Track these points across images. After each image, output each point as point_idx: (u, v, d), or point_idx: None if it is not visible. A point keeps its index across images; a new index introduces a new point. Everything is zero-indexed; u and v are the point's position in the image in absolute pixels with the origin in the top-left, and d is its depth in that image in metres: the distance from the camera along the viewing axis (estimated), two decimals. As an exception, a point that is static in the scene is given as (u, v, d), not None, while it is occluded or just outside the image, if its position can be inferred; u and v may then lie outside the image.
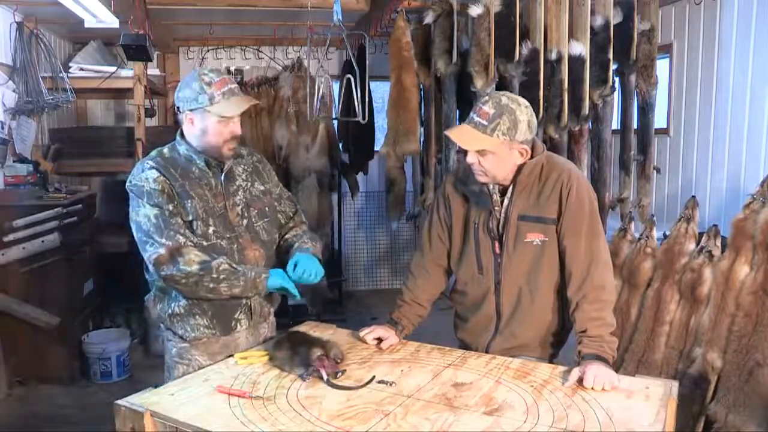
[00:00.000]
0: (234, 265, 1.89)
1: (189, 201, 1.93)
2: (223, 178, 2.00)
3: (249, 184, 2.07)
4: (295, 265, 1.96)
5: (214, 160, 1.97)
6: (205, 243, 1.92)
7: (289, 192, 2.27)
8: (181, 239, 1.87)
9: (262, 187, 2.10)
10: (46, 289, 3.72)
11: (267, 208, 2.09)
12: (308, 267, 1.96)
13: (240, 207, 2.02)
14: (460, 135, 1.91)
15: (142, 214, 1.89)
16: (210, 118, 1.90)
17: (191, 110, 1.91)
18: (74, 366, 3.93)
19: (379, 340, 2.06)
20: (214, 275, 1.85)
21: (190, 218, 1.92)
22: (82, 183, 4.95)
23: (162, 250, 1.85)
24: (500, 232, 1.98)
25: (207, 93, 1.87)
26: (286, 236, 2.16)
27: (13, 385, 3.75)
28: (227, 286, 1.88)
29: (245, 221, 2.02)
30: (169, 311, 1.99)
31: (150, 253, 1.86)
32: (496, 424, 1.50)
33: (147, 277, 2.06)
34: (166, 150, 2.01)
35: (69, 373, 3.88)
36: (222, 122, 1.90)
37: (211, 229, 1.94)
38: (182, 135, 1.99)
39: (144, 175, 1.92)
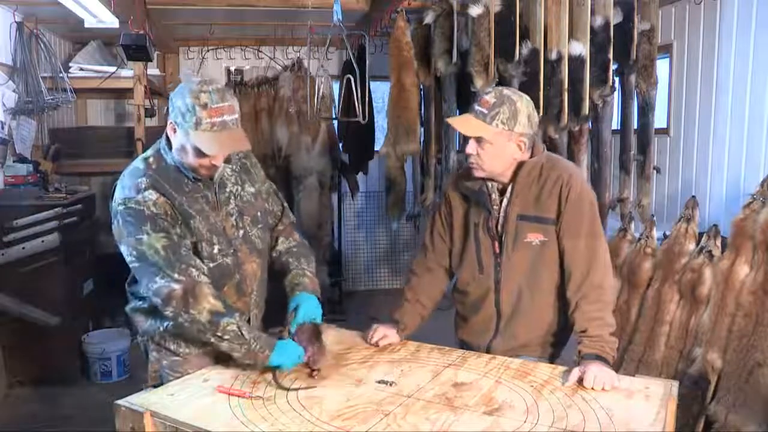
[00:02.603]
0: (243, 330, 1.72)
1: (191, 221, 1.77)
2: (217, 187, 1.84)
3: (239, 188, 1.90)
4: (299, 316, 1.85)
5: None
6: (211, 264, 1.79)
7: (286, 189, 2.17)
8: (195, 273, 1.70)
9: (252, 189, 1.94)
10: (47, 289, 3.71)
11: (259, 213, 1.94)
12: (315, 317, 1.88)
13: (234, 217, 1.86)
14: (461, 122, 1.97)
15: (146, 244, 1.69)
16: (190, 141, 1.71)
17: (176, 122, 1.72)
18: (74, 366, 3.92)
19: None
20: (219, 333, 1.71)
21: (194, 239, 1.77)
22: (82, 183, 4.95)
23: (176, 286, 1.67)
24: (499, 232, 1.98)
25: (196, 115, 1.66)
26: (279, 248, 2.01)
27: (13, 385, 3.74)
28: (228, 347, 1.74)
29: (241, 232, 1.87)
30: (161, 328, 1.87)
31: (160, 285, 1.68)
32: (496, 424, 1.50)
33: (129, 288, 1.94)
34: (152, 159, 1.80)
35: (69, 373, 3.87)
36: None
37: (216, 248, 1.81)
38: (169, 140, 1.80)
39: (141, 197, 1.71)
